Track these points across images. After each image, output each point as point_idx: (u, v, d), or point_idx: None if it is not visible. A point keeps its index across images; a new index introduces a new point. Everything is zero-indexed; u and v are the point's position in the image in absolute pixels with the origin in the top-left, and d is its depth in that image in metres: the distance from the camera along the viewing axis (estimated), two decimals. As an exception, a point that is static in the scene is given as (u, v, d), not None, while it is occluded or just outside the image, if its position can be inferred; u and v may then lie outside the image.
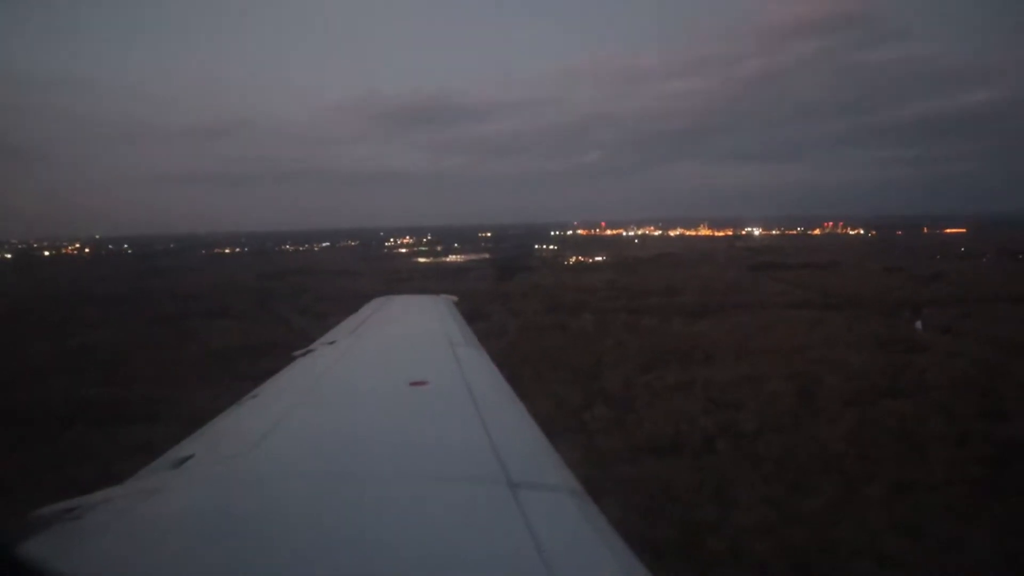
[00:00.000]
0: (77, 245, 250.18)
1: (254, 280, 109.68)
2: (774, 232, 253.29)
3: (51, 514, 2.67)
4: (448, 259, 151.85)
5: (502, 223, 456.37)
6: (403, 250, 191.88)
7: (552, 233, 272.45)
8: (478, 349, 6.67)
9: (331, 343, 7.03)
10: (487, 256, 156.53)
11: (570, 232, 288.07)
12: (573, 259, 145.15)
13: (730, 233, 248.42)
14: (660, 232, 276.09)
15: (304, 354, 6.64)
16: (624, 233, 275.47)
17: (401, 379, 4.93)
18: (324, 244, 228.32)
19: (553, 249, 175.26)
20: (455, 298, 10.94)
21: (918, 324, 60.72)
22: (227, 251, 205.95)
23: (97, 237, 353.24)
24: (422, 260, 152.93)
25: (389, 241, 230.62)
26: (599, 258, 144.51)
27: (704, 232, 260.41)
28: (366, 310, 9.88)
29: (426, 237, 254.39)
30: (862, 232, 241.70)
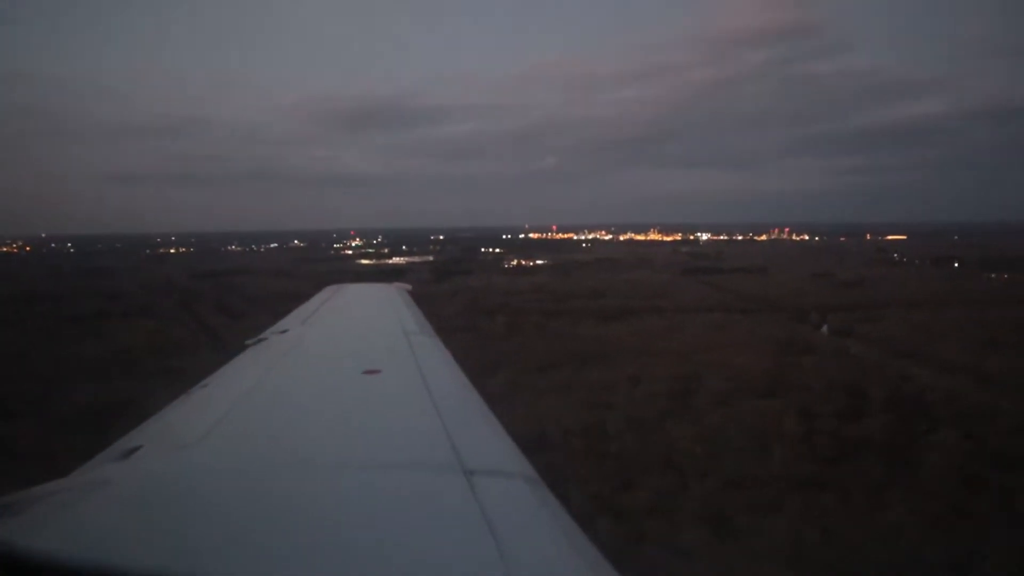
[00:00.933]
0: (18, 243, 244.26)
1: (186, 280, 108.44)
2: (722, 237, 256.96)
3: None
4: (390, 261, 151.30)
5: (456, 226, 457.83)
6: (349, 252, 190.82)
7: (504, 237, 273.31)
8: (432, 337, 6.54)
9: (283, 332, 6.91)
10: (430, 259, 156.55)
11: (521, 236, 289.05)
12: (514, 262, 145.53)
13: (678, 238, 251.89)
14: (611, 236, 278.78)
15: (256, 343, 6.51)
16: (574, 237, 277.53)
17: (354, 368, 4.89)
18: (272, 245, 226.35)
19: (498, 252, 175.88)
20: (409, 286, 10.84)
21: (824, 328, 62.08)
22: (172, 251, 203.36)
23: (43, 236, 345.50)
24: (364, 262, 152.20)
25: (338, 243, 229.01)
26: (540, 261, 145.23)
27: (653, 237, 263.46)
28: (319, 298, 9.67)
29: (376, 239, 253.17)
30: (807, 238, 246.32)
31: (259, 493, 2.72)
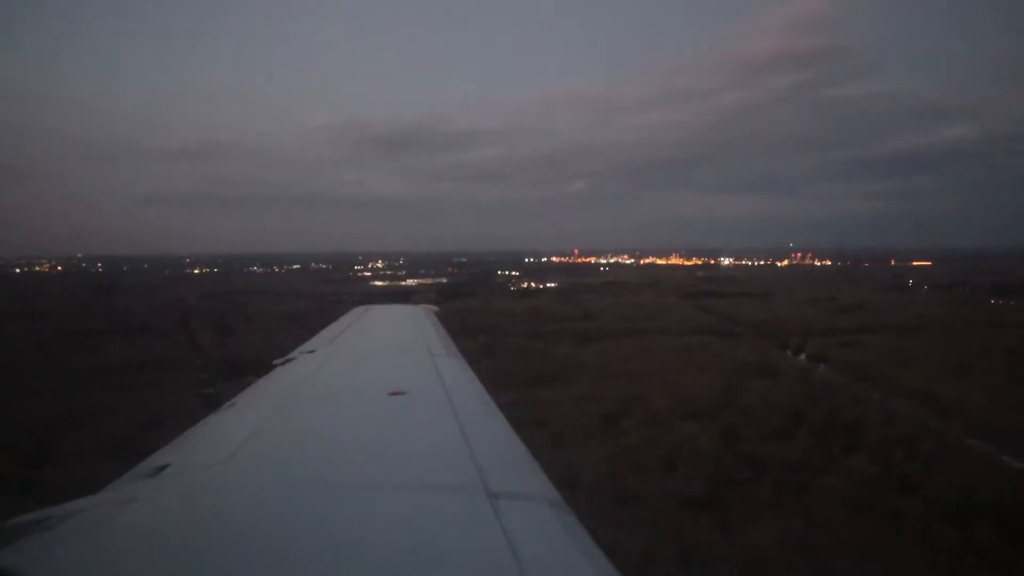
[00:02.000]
0: (50, 263, 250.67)
1: (196, 300, 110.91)
2: (744, 262, 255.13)
3: (22, 524, 2.64)
4: (403, 283, 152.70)
5: (482, 250, 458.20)
6: (367, 274, 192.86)
7: (526, 260, 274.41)
8: (458, 359, 6.58)
9: (310, 352, 7.00)
10: (443, 281, 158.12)
11: (543, 259, 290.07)
12: (524, 285, 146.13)
13: (698, 263, 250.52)
14: (632, 261, 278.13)
15: (283, 363, 6.60)
16: (596, 261, 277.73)
17: (380, 389, 4.91)
18: (294, 267, 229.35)
19: (513, 275, 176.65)
20: (436, 308, 10.97)
21: (801, 353, 61.76)
22: (196, 271, 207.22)
23: (79, 256, 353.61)
24: (377, 283, 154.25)
25: (360, 266, 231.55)
26: (550, 284, 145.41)
27: (674, 261, 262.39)
28: (346, 319, 9.69)
29: (399, 262, 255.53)
30: (829, 263, 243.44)
31: (285, 513, 2.74)
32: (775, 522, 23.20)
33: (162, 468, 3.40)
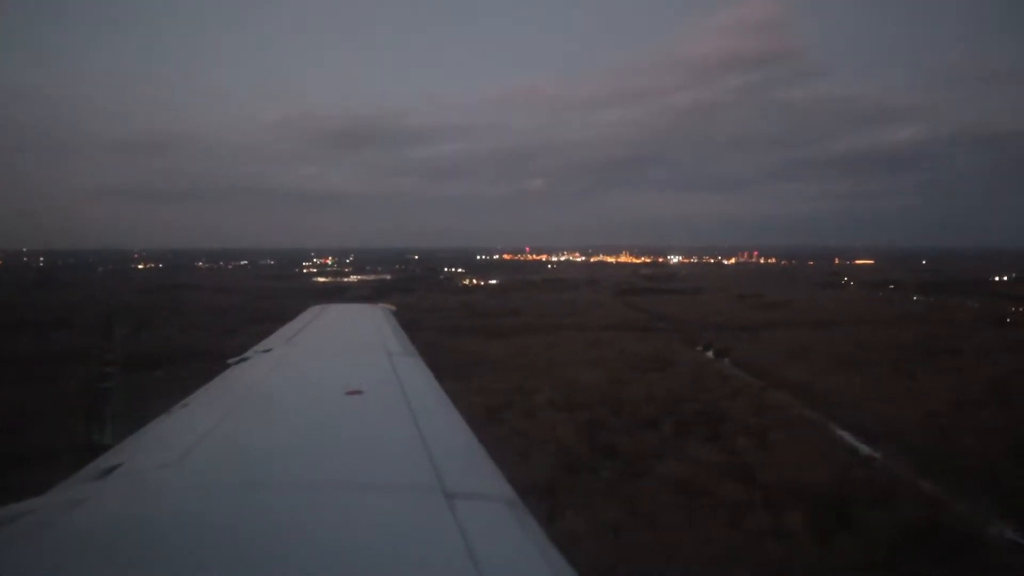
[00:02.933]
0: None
1: (129, 294, 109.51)
2: (692, 260, 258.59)
3: None
4: (345, 280, 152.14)
5: (437, 247, 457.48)
6: (313, 270, 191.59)
7: (478, 257, 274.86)
8: (416, 359, 6.45)
9: (266, 351, 6.82)
10: (387, 278, 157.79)
11: (496, 256, 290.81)
12: (465, 282, 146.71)
13: (647, 260, 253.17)
14: (583, 259, 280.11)
15: (238, 362, 6.39)
16: (547, 258, 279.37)
17: (337, 388, 4.83)
18: (242, 263, 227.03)
19: (458, 272, 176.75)
20: (393, 307, 10.67)
21: (710, 348, 62.95)
22: (141, 266, 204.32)
23: (24, 250, 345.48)
24: (319, 279, 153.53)
25: (308, 261, 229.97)
26: (492, 281, 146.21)
27: (623, 259, 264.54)
28: (303, 318, 9.49)
29: (348, 258, 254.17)
30: (774, 261, 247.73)
31: (239, 513, 2.71)
32: (598, 509, 23.95)
33: (112, 469, 3.33)
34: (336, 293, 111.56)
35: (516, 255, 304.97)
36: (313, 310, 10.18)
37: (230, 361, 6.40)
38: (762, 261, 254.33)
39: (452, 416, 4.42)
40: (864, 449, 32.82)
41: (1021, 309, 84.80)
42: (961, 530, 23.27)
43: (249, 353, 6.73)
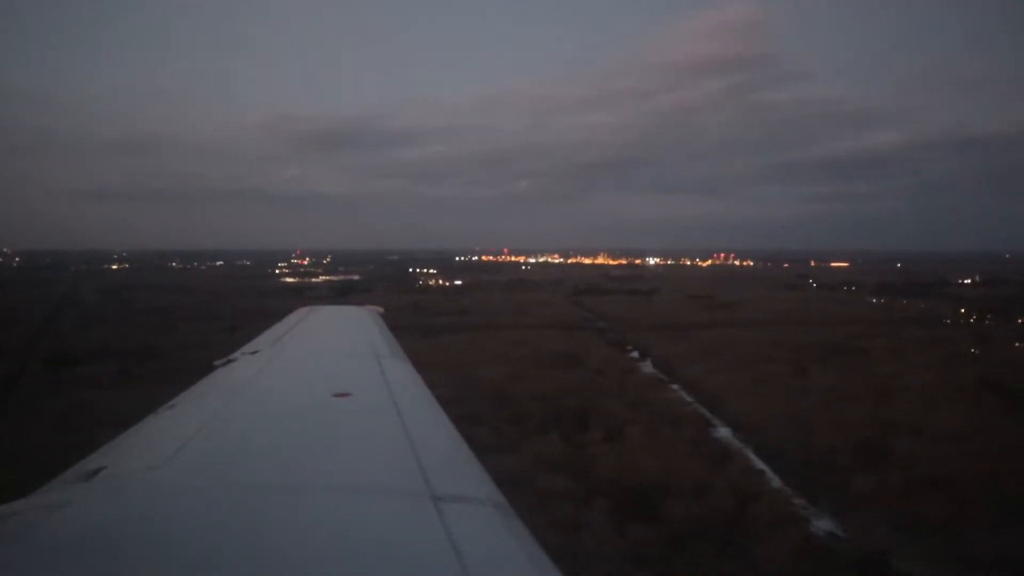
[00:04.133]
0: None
1: (90, 293, 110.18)
2: (669, 262, 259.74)
3: None
4: (313, 280, 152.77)
5: (421, 247, 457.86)
6: (286, 270, 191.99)
7: (457, 259, 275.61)
8: (404, 361, 6.44)
9: (253, 353, 6.79)
10: (355, 277, 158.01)
11: (474, 258, 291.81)
12: (431, 282, 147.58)
13: (623, 262, 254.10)
14: (561, 260, 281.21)
15: (225, 363, 6.36)
16: (524, 260, 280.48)
17: (324, 390, 4.83)
18: (218, 263, 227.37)
19: (428, 272, 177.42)
20: (381, 310, 10.68)
21: (631, 348, 63.57)
22: (115, 267, 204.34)
23: (4, 250, 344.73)
24: (287, 280, 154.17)
25: (285, 262, 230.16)
26: (456, 281, 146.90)
27: (601, 261, 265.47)
28: (291, 319, 9.38)
29: (325, 259, 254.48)
30: (751, 264, 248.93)
31: (225, 517, 2.70)
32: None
33: (97, 471, 3.30)
34: (292, 293, 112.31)
35: (496, 257, 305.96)
36: (301, 311, 10.17)
37: (216, 363, 6.41)
38: (738, 263, 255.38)
39: (440, 419, 4.46)
40: (715, 441, 33.47)
41: (962, 310, 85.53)
42: (764, 517, 23.93)
43: (236, 355, 6.76)
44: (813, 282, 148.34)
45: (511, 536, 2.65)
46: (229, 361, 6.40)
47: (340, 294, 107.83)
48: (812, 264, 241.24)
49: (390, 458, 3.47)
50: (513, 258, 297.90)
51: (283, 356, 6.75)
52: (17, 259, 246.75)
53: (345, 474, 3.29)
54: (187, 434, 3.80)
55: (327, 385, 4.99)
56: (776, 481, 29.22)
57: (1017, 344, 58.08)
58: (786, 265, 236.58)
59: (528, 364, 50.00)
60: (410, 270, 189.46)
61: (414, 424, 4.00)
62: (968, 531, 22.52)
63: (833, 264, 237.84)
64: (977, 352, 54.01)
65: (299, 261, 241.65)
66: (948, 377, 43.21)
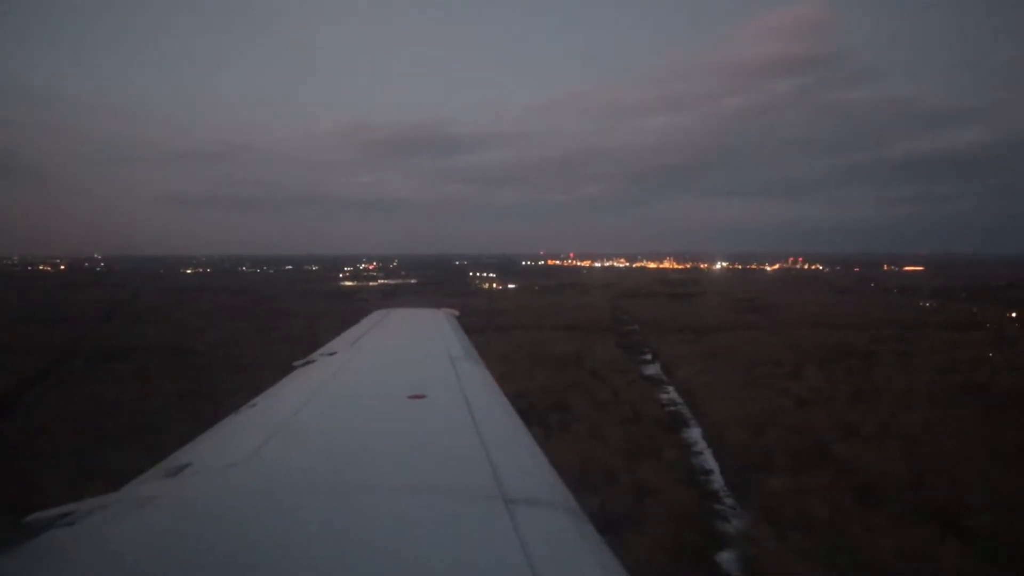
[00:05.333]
0: (63, 263, 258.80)
1: (151, 294, 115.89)
2: (737, 266, 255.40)
3: (44, 519, 2.73)
4: (371, 284, 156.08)
5: (487, 252, 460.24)
6: (347, 274, 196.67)
7: (524, 263, 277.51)
8: (478, 363, 6.52)
9: (331, 354, 7.00)
10: (412, 281, 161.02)
11: (539, 263, 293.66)
12: (485, 285, 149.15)
13: (687, 267, 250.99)
14: (627, 264, 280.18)
15: (303, 364, 6.60)
16: (589, 264, 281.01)
17: (399, 392, 4.93)
18: (287, 267, 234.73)
19: (488, 276, 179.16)
20: (456, 312, 10.83)
21: (645, 350, 63.53)
22: (190, 271, 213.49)
23: (97, 256, 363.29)
24: (346, 284, 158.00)
25: (349, 267, 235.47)
26: (511, 285, 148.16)
27: (665, 265, 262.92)
28: (368, 322, 9.63)
29: (392, 264, 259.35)
30: (820, 268, 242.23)
31: (302, 514, 2.77)
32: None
33: (183, 467, 3.46)
34: (340, 296, 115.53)
35: (562, 261, 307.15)
36: (378, 314, 10.35)
37: (295, 364, 6.64)
38: (807, 267, 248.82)
39: (513, 422, 4.47)
40: (672, 442, 33.37)
41: (1012, 314, 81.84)
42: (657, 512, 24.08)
43: (314, 356, 6.96)
44: (873, 285, 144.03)
45: (582, 541, 2.65)
46: (308, 362, 6.67)
47: (386, 296, 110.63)
48: (885, 268, 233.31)
49: (463, 460, 3.51)
50: (579, 263, 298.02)
51: (359, 358, 6.94)
52: (101, 264, 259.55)
53: (419, 475, 3.34)
54: (267, 433, 3.97)
55: (402, 387, 5.10)
56: (711, 479, 29.26)
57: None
58: (856, 269, 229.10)
59: (524, 364, 50.32)
60: (470, 274, 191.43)
61: (487, 426, 4.07)
62: (837, 532, 22.43)
63: (907, 268, 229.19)
64: (994, 356, 51.84)
65: (368, 266, 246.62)
66: (942, 382, 41.98)
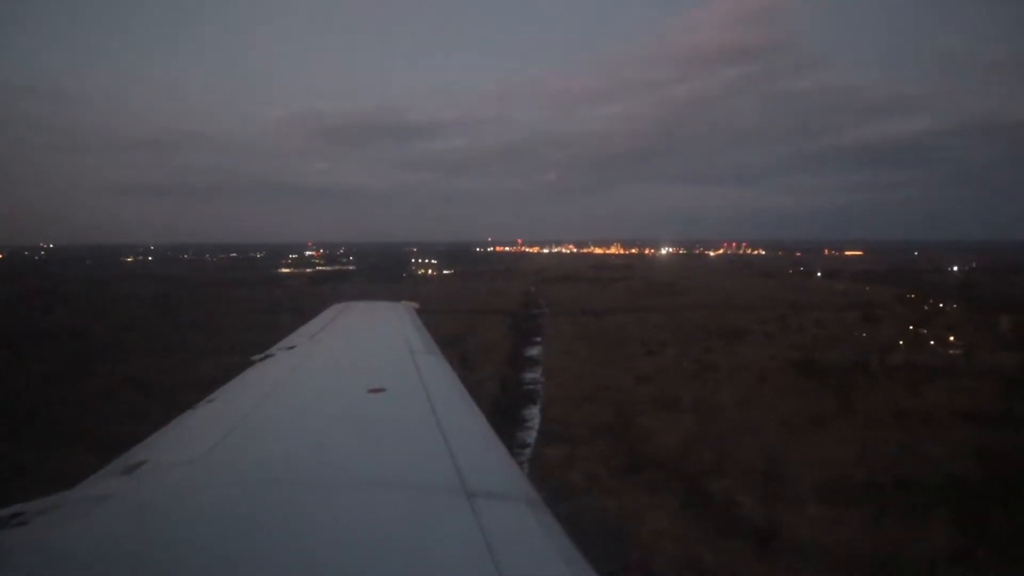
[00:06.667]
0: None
1: (73, 284, 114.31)
2: (681, 251, 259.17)
3: None
4: (307, 271, 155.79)
5: (440, 240, 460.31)
6: (291, 262, 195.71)
7: (476, 250, 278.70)
8: (438, 357, 6.46)
9: (290, 348, 6.83)
10: (350, 269, 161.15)
11: (490, 249, 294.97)
12: (421, 272, 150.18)
13: (632, 252, 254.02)
14: (575, 250, 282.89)
15: (262, 359, 6.42)
16: (538, 251, 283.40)
17: (359, 386, 4.86)
18: (231, 254, 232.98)
19: (427, 263, 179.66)
20: (416, 305, 10.63)
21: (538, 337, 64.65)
22: (130, 259, 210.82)
23: (46, 245, 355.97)
24: (284, 271, 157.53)
25: (295, 254, 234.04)
26: (446, 272, 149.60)
27: (612, 251, 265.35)
28: (327, 315, 9.49)
29: (339, 251, 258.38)
30: (762, 252, 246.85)
31: (262, 510, 2.75)
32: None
33: (138, 465, 3.39)
34: (268, 282, 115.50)
35: (511, 248, 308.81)
36: (337, 307, 10.18)
37: (254, 358, 6.45)
38: (749, 252, 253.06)
39: (474, 415, 4.47)
40: (506, 419, 34.45)
41: (911, 295, 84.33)
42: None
43: (273, 350, 6.75)
44: (801, 269, 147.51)
45: (544, 533, 2.66)
46: (267, 356, 6.48)
47: (313, 283, 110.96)
48: (825, 253, 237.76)
49: (424, 454, 3.50)
50: (528, 249, 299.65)
51: (319, 351, 6.81)
52: (42, 252, 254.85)
53: (379, 469, 3.32)
54: (225, 428, 3.88)
55: (362, 380, 5.03)
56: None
57: (913, 327, 57.39)
58: (798, 254, 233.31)
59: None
60: (412, 261, 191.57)
61: (448, 420, 4.05)
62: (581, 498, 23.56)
63: (848, 253, 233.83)
64: (855, 334, 53.80)
65: (313, 253, 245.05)
66: (783, 358, 43.68)
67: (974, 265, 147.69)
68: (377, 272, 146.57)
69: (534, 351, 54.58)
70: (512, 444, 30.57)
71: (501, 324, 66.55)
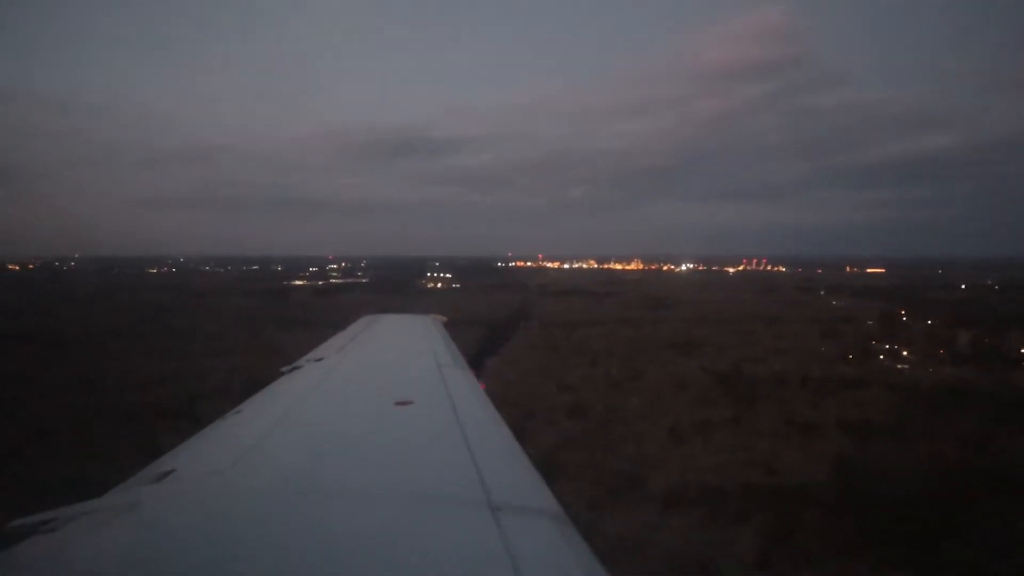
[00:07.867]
0: (34, 263, 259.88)
1: (82, 293, 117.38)
2: (701, 267, 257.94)
3: (27, 526, 2.78)
4: (319, 283, 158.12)
5: (464, 254, 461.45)
6: (307, 274, 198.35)
7: (498, 264, 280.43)
8: (465, 370, 6.53)
9: (318, 360, 6.98)
10: (363, 281, 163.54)
11: (511, 264, 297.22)
12: (430, 285, 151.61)
13: (651, 267, 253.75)
14: (594, 265, 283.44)
15: (290, 370, 6.60)
16: (558, 266, 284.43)
17: (386, 398, 4.91)
18: (254, 267, 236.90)
19: (440, 276, 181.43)
20: (444, 318, 10.85)
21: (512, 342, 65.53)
22: (154, 271, 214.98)
23: (76, 256, 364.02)
24: (297, 283, 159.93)
25: (313, 267, 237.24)
26: (455, 285, 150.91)
27: (632, 266, 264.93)
28: (355, 328, 9.66)
29: (360, 264, 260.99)
30: (782, 269, 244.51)
31: (288, 520, 2.79)
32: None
33: (167, 473, 3.44)
34: (276, 294, 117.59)
35: (533, 263, 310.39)
36: (365, 319, 10.33)
37: (283, 369, 6.63)
38: (768, 269, 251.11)
39: (500, 428, 4.47)
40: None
41: (900, 312, 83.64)
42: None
43: (301, 362, 6.91)
44: (808, 285, 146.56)
45: (568, 547, 2.66)
46: (295, 368, 6.62)
47: (318, 295, 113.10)
48: (848, 270, 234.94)
49: (449, 467, 3.52)
50: (548, 264, 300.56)
51: (346, 363, 6.88)
52: (72, 263, 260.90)
53: (405, 482, 3.34)
54: (253, 438, 3.93)
55: (389, 393, 5.08)
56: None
57: (874, 341, 57.39)
58: (819, 271, 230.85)
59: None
60: (427, 275, 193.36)
61: (474, 433, 4.07)
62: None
63: (869, 270, 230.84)
64: (807, 348, 54.02)
65: (334, 266, 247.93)
66: (716, 370, 44.30)
67: (988, 282, 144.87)
68: (385, 285, 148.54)
69: (489, 360, 55.49)
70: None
71: (475, 333, 67.39)
